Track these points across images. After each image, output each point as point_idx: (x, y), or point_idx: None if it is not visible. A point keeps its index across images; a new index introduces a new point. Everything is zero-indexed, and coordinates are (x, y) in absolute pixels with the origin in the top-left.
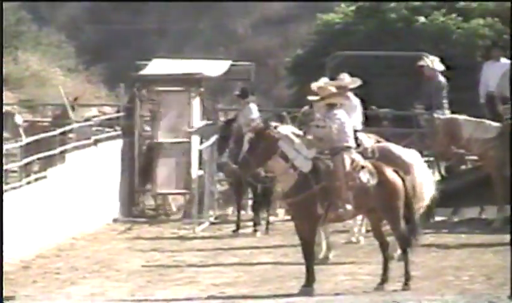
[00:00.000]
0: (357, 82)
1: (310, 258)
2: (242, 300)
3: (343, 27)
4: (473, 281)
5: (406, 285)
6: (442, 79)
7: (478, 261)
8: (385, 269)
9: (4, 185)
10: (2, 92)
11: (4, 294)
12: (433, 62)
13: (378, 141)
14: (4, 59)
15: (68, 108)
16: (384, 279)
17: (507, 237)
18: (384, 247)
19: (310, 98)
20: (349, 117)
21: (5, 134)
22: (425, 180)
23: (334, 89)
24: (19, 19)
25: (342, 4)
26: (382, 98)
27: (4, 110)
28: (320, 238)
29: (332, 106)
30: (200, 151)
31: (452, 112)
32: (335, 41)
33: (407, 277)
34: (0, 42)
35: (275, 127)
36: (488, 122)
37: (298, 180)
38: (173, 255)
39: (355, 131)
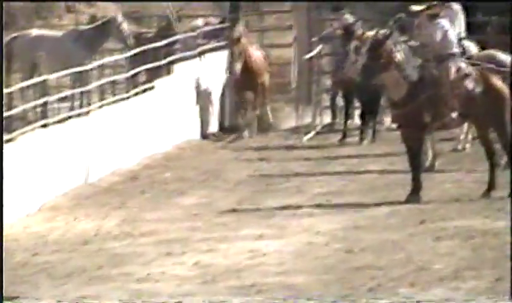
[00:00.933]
0: None
1: (416, 166)
2: (347, 208)
3: None
4: None
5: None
6: None
7: None
8: (492, 176)
9: (112, 95)
10: (2, 92)
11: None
12: None
13: (483, 48)
14: None
15: (172, 19)
16: (491, 186)
17: None
18: (490, 154)
19: (413, 7)
20: (453, 25)
21: (110, 45)
22: None
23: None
24: None
25: None
26: (486, 5)
27: (109, 17)
28: (427, 147)
29: (434, 16)
30: (310, 59)
31: None
32: None
33: None
34: (0, 42)
35: (388, 37)
36: None
37: (407, 90)
38: (280, 165)
39: (460, 39)
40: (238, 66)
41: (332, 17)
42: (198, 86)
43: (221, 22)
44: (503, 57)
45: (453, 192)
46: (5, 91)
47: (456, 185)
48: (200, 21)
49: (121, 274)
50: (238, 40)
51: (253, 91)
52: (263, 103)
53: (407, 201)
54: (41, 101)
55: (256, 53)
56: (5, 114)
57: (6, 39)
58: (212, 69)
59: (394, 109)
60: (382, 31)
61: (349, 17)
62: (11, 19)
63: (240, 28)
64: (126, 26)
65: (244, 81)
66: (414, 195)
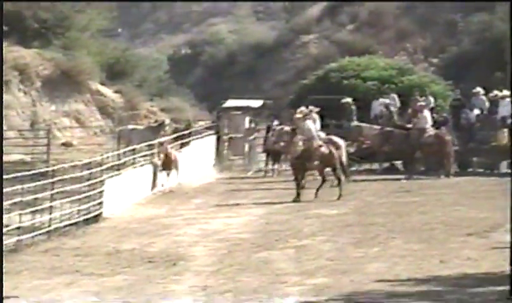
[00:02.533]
0: (314, 109)
1: (297, 185)
2: (267, 204)
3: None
4: None
5: None
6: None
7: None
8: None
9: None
10: (2, 91)
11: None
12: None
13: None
14: (162, 100)
15: (191, 122)
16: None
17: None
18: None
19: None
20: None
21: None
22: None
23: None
24: None
25: None
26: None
27: (162, 120)
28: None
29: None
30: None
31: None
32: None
33: None
34: (0, 42)
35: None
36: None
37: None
38: (238, 185)
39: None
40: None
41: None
42: (201, 151)
43: (212, 122)
44: (337, 139)
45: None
46: (116, 152)
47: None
48: (201, 123)
49: (166, 233)
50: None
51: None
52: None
53: (293, 201)
54: (131, 157)
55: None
56: (119, 162)
57: (118, 129)
58: (208, 144)
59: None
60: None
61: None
62: (120, 120)
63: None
64: (169, 125)
65: None
66: (296, 198)
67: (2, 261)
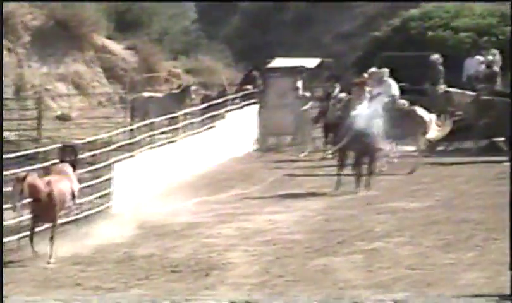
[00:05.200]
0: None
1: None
2: (326, 196)
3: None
4: None
5: None
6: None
7: None
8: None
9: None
10: (2, 92)
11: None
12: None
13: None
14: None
15: (226, 86)
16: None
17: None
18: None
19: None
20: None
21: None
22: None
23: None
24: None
25: None
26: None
27: (186, 84)
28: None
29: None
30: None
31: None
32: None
33: None
34: (0, 42)
35: None
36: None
37: None
38: (287, 170)
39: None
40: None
41: None
42: (241, 125)
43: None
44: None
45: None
46: (128, 128)
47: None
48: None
49: (194, 233)
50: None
51: None
52: None
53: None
54: (148, 134)
55: None
56: (132, 140)
57: (130, 98)
58: (250, 116)
59: None
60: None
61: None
62: (133, 85)
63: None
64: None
65: None
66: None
67: (1, 262)
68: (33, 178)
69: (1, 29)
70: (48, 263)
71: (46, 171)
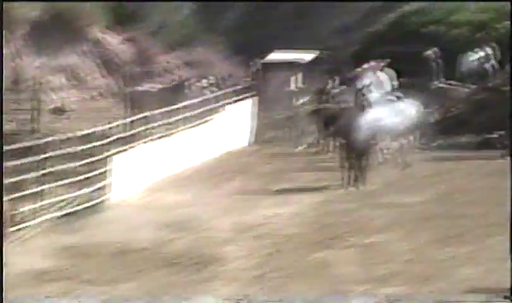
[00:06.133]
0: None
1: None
2: (322, 189)
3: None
4: None
5: None
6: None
7: None
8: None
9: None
10: (2, 92)
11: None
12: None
13: None
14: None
15: (224, 80)
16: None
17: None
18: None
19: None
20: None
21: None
22: None
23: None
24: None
25: None
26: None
27: (182, 80)
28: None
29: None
30: None
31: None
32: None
33: None
34: (0, 42)
35: None
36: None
37: None
38: (282, 164)
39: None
40: None
41: None
42: (240, 117)
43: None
44: None
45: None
46: (126, 121)
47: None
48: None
49: (190, 227)
50: None
51: None
52: None
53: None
54: (145, 127)
55: None
56: (127, 133)
57: (127, 91)
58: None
59: None
60: None
61: None
62: (128, 78)
63: None
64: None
65: None
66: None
67: (2, 260)
68: None
69: (1, 29)
70: None
71: None
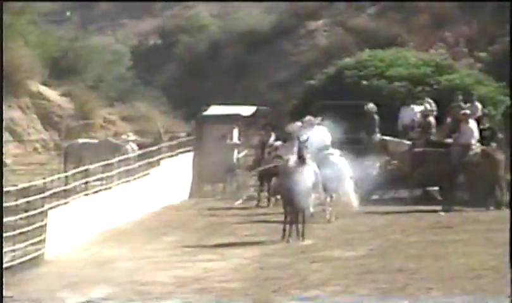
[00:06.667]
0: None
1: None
2: (261, 244)
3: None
4: None
5: None
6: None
7: None
8: None
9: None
10: (2, 93)
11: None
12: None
13: None
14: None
15: (162, 134)
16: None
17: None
18: None
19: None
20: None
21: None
22: None
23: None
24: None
25: None
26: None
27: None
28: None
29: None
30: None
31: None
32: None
33: None
34: (0, 43)
35: None
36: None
37: None
38: (221, 217)
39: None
40: None
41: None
42: (176, 172)
43: (188, 135)
44: None
45: None
46: (63, 175)
47: None
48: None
49: (129, 281)
50: None
51: None
52: None
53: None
54: (84, 180)
55: None
56: (66, 187)
57: (65, 144)
58: (186, 162)
59: None
60: None
61: None
62: (68, 132)
63: None
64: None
65: None
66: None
67: (1, 262)
68: None
69: (1, 29)
70: None
71: None
